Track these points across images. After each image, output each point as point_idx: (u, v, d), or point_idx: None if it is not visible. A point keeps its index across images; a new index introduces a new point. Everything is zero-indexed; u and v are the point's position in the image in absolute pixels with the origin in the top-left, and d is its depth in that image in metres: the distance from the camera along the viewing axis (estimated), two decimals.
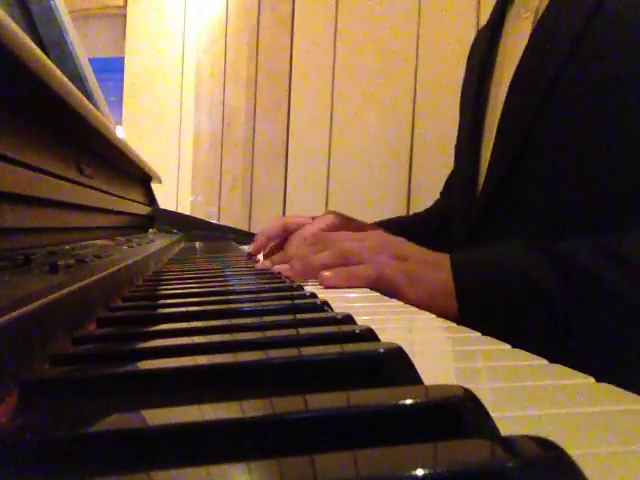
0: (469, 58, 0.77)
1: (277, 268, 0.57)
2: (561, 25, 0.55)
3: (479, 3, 1.55)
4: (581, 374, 0.22)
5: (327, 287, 0.49)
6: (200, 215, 1.77)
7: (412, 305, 0.44)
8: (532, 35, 0.58)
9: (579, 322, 0.44)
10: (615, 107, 0.51)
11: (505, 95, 0.60)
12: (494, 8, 0.70)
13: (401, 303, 0.43)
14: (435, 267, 0.50)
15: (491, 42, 0.67)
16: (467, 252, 0.53)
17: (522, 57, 0.58)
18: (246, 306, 0.37)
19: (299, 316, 0.33)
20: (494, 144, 0.61)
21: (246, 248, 1.07)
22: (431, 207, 0.93)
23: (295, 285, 0.47)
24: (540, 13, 0.59)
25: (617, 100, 0.51)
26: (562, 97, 0.54)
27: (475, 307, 0.47)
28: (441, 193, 0.92)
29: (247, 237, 1.27)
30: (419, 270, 0.49)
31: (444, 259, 0.50)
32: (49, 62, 0.41)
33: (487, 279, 0.48)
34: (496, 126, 0.61)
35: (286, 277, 0.53)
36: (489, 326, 0.44)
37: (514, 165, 0.58)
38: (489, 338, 0.30)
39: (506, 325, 0.46)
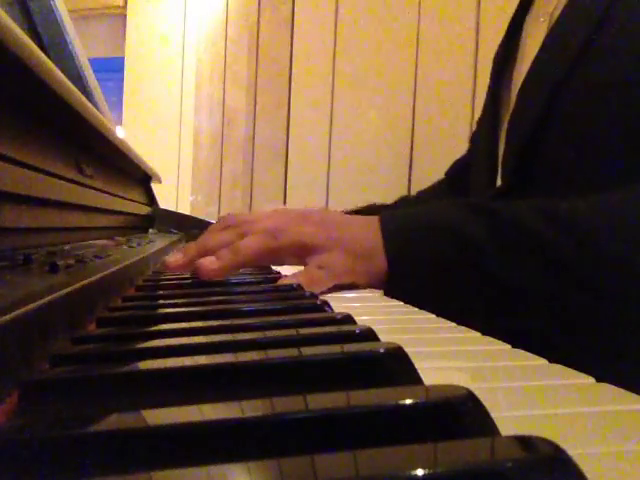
0: (492, 68, 0.78)
1: (202, 263, 0.47)
2: (573, 27, 0.57)
3: (479, 3, 1.55)
4: (581, 374, 0.22)
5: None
6: (200, 215, 1.77)
7: (340, 269, 0.46)
8: (546, 36, 0.60)
9: (506, 274, 0.44)
10: (620, 106, 0.52)
11: (517, 93, 0.62)
12: (512, 17, 0.72)
13: (401, 303, 0.43)
14: (363, 228, 0.49)
15: (509, 46, 0.69)
16: (396, 210, 0.53)
17: (535, 57, 0.60)
18: (246, 306, 0.37)
19: (299, 316, 0.33)
20: (505, 143, 0.63)
21: None
22: (435, 187, 0.93)
23: (295, 285, 0.47)
24: (555, 17, 0.61)
25: (623, 99, 0.52)
26: (570, 95, 0.55)
27: (403, 262, 0.47)
28: (446, 173, 0.93)
29: None
30: (346, 234, 0.49)
31: (373, 220, 0.50)
32: (49, 62, 0.41)
33: (414, 230, 0.48)
34: (506, 126, 0.62)
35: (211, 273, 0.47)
36: (418, 283, 0.46)
37: (525, 163, 0.59)
38: (489, 338, 0.30)
39: (435, 281, 0.46)
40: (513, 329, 0.45)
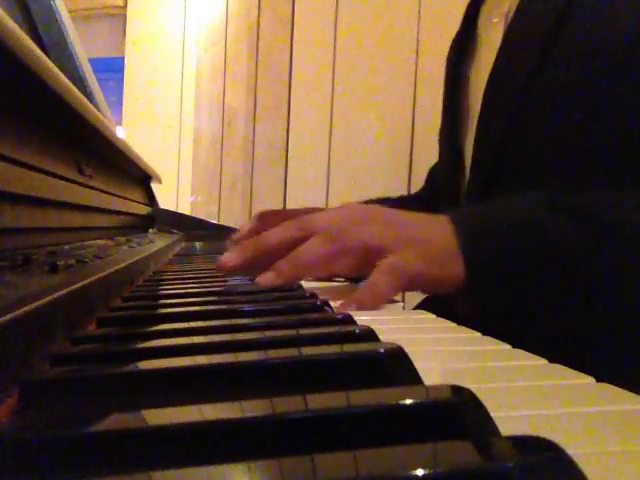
0: (446, 66, 0.77)
1: (260, 280, 0.44)
2: (530, 29, 0.55)
3: None
4: (581, 374, 0.22)
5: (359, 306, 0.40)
6: (200, 215, 1.76)
7: (412, 273, 0.41)
8: (504, 39, 0.59)
9: (605, 280, 0.41)
10: (588, 104, 0.51)
11: (480, 102, 0.60)
12: (465, 13, 0.70)
13: (401, 303, 0.43)
14: (434, 228, 0.44)
15: (463, 47, 0.68)
16: (465, 208, 0.47)
17: (495, 63, 0.58)
18: (246, 306, 0.37)
19: (299, 316, 0.33)
20: (474, 150, 0.61)
21: None
22: (415, 194, 0.92)
23: (295, 285, 0.47)
24: (510, 18, 0.59)
25: (590, 98, 0.51)
26: (535, 100, 0.54)
27: (483, 270, 0.42)
28: (426, 181, 0.92)
29: None
30: (418, 233, 0.43)
31: (442, 219, 0.44)
32: (49, 62, 0.41)
33: (493, 231, 0.43)
34: (474, 135, 0.61)
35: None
36: (501, 285, 0.42)
37: (494, 170, 0.58)
38: (489, 338, 0.29)
39: (519, 284, 0.42)
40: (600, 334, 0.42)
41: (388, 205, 0.49)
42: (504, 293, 0.43)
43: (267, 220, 0.67)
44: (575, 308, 0.42)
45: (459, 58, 0.68)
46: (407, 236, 0.43)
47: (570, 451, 0.12)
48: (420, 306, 0.42)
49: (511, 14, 0.59)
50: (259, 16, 2.03)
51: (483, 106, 0.60)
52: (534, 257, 0.42)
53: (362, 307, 0.39)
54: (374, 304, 0.40)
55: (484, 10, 0.66)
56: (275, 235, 0.46)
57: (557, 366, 0.23)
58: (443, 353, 0.27)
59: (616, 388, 0.20)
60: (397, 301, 0.43)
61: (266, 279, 0.44)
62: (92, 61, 0.94)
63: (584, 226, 0.41)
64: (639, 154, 0.49)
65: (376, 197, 0.85)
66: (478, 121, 0.60)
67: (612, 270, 0.41)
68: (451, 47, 0.74)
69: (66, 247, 0.49)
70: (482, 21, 0.66)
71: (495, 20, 0.62)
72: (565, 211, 0.42)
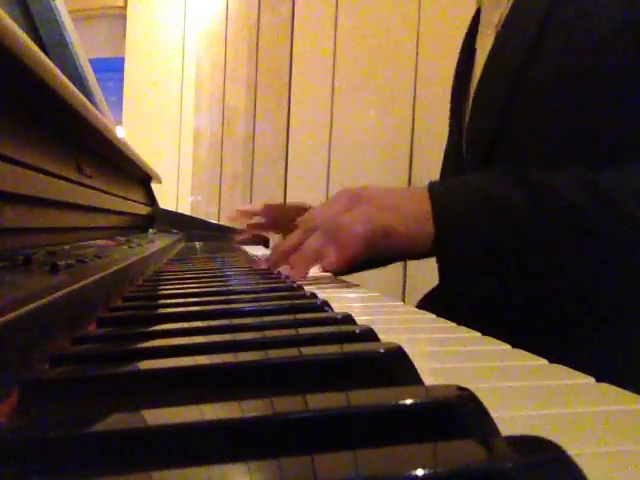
0: (452, 88, 0.80)
1: (284, 272, 0.57)
2: (516, 32, 0.58)
3: (479, 2, 1.55)
4: (581, 374, 0.22)
5: (327, 269, 0.52)
6: (200, 215, 1.76)
7: (403, 239, 0.50)
8: (492, 46, 0.62)
9: (542, 242, 0.47)
10: (571, 101, 0.53)
11: (472, 99, 0.64)
12: (471, 22, 0.73)
13: (401, 303, 0.43)
14: (413, 195, 0.53)
15: (468, 55, 0.71)
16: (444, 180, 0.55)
17: (482, 73, 0.62)
18: (246, 306, 0.37)
19: (299, 316, 0.33)
20: (465, 153, 0.66)
21: (247, 248, 1.07)
22: None
23: (295, 285, 0.47)
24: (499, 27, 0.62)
25: (573, 95, 0.53)
26: (521, 99, 0.56)
27: (448, 229, 0.50)
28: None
29: None
30: (398, 202, 0.52)
31: (422, 189, 0.53)
32: (49, 62, 0.41)
33: (461, 198, 0.51)
34: (464, 142, 0.66)
35: (288, 277, 0.53)
36: (462, 249, 0.50)
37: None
38: (489, 338, 0.30)
39: (477, 247, 0.49)
40: (535, 290, 0.49)
41: None
42: (468, 251, 0.50)
43: (270, 215, 0.94)
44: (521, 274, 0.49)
45: (462, 75, 0.71)
46: (387, 204, 0.52)
47: (570, 451, 0.12)
48: (420, 306, 0.43)
49: (501, 24, 0.62)
50: (259, 16, 2.03)
51: (471, 108, 0.63)
52: (491, 220, 0.49)
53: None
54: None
55: (480, 28, 0.70)
56: (289, 242, 0.58)
57: (557, 366, 0.23)
58: (443, 353, 0.27)
59: (616, 388, 0.20)
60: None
61: (286, 272, 0.55)
62: (92, 61, 0.94)
63: (537, 203, 0.48)
64: (629, 139, 0.51)
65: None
66: (467, 123, 0.64)
67: (547, 243, 0.48)
68: (455, 67, 0.76)
69: (66, 247, 0.49)
70: (479, 37, 0.69)
71: (489, 32, 0.65)
72: (524, 187, 0.49)
